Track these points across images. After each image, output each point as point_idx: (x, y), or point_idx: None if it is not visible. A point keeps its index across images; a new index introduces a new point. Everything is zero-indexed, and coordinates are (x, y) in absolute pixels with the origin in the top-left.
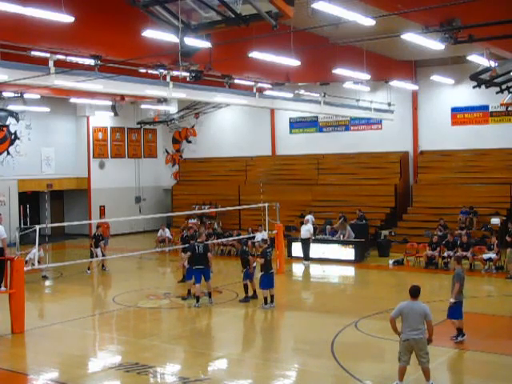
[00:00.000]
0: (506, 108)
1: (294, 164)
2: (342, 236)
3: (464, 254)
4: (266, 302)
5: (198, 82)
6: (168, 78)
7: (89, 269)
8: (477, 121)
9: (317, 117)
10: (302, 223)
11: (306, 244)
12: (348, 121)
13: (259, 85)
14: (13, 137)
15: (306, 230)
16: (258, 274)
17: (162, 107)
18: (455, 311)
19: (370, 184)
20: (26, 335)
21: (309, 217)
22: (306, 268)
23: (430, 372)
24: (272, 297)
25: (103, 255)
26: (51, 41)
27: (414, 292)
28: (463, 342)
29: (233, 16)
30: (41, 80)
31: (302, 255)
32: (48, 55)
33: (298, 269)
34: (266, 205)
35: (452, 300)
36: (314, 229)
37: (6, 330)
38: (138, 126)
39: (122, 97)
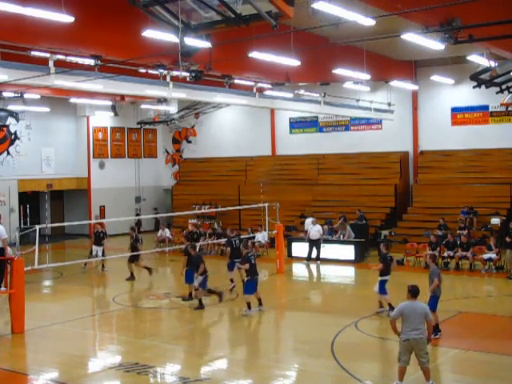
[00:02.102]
0: (506, 108)
1: (294, 164)
2: (341, 236)
3: (464, 253)
4: (249, 308)
5: (198, 82)
6: (168, 78)
7: (85, 265)
8: (477, 121)
9: (317, 117)
10: (301, 223)
11: (316, 244)
12: (348, 121)
13: (259, 85)
14: (13, 137)
15: (316, 231)
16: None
17: (162, 107)
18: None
19: (370, 184)
20: (26, 335)
21: (309, 219)
22: (317, 268)
23: (429, 372)
24: (260, 300)
25: (103, 255)
26: (51, 41)
27: (415, 292)
28: (438, 339)
29: (233, 16)
30: (41, 80)
31: (302, 255)
32: (48, 55)
33: (297, 269)
34: (266, 205)
35: (430, 294)
36: None
37: (6, 329)
38: (138, 126)
39: (122, 97)
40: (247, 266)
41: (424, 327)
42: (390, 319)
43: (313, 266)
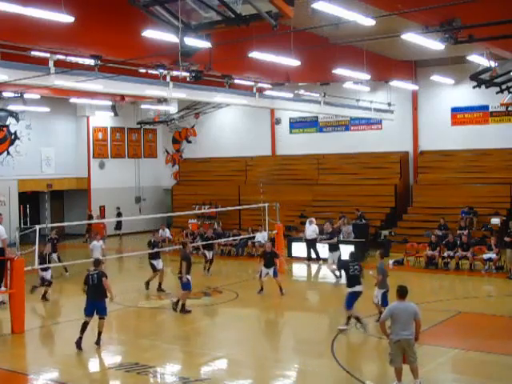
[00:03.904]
0: (506, 108)
1: (294, 164)
2: (342, 236)
3: (464, 253)
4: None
5: (198, 82)
6: (168, 78)
7: (66, 271)
8: (477, 121)
9: (317, 117)
10: (304, 223)
11: (312, 244)
12: (348, 121)
13: (259, 85)
14: (13, 137)
15: (312, 231)
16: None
17: (162, 107)
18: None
19: (370, 184)
20: (26, 335)
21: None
22: (308, 268)
23: (418, 370)
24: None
25: (60, 261)
26: (51, 41)
27: (404, 293)
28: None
29: (233, 16)
30: (41, 80)
31: (302, 255)
32: (48, 55)
33: (297, 269)
34: (266, 205)
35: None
36: None
37: (6, 329)
38: (138, 126)
39: (122, 97)
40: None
41: (412, 327)
42: (380, 321)
43: (314, 267)
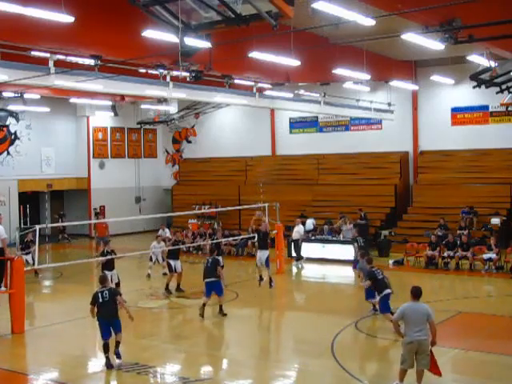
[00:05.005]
0: (506, 108)
1: (294, 164)
2: (341, 236)
3: (464, 253)
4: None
5: (198, 82)
6: (168, 78)
7: (36, 273)
8: (477, 121)
9: (317, 117)
10: (303, 223)
11: (295, 245)
12: (348, 121)
13: (259, 85)
14: (13, 137)
15: (296, 231)
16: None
17: (162, 107)
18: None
19: (370, 184)
20: (26, 335)
21: (310, 220)
22: (297, 268)
23: (423, 376)
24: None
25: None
26: (51, 41)
27: (418, 293)
28: None
29: (233, 16)
30: (41, 80)
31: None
32: (48, 55)
33: (297, 268)
34: (266, 205)
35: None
36: (315, 229)
37: (6, 329)
38: (138, 126)
39: (122, 97)
40: None
41: (426, 328)
42: (392, 321)
43: (311, 266)
